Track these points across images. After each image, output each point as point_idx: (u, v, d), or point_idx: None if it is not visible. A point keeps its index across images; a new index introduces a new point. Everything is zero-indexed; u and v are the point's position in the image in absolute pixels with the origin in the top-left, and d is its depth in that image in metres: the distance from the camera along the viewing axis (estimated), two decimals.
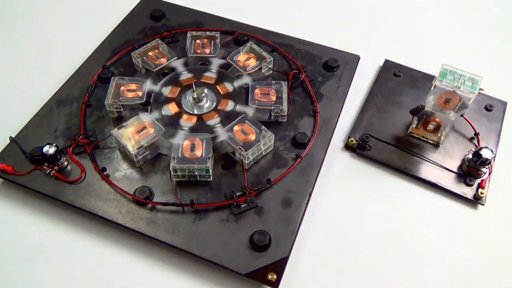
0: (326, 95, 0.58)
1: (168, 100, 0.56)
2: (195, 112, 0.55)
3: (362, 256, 0.47)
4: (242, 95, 0.57)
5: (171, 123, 0.54)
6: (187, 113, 0.55)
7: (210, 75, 0.59)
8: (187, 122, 0.54)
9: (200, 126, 0.54)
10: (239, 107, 0.56)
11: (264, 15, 0.71)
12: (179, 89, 0.57)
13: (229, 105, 0.56)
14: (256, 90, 0.55)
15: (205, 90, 0.56)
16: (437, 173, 0.52)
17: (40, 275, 0.45)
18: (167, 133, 0.52)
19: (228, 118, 0.54)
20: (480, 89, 0.48)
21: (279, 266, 0.44)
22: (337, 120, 0.56)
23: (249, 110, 0.55)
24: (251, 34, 0.64)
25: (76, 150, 0.51)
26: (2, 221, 0.49)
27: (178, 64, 0.60)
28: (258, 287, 0.45)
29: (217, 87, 0.57)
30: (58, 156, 0.49)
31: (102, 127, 0.54)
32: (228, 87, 0.57)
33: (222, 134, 0.52)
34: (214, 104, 0.56)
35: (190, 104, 0.56)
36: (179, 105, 0.56)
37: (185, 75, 0.59)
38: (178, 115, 0.55)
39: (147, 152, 0.50)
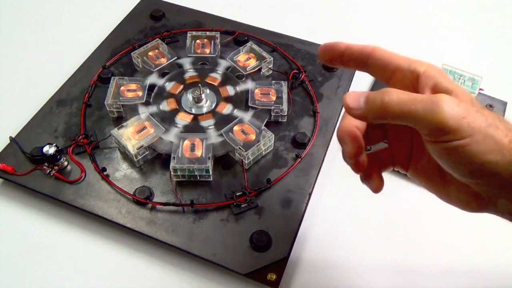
0: (326, 95, 0.58)
1: (169, 96, 0.56)
2: (193, 111, 0.55)
3: (362, 256, 0.47)
4: (243, 100, 0.56)
5: (167, 119, 0.54)
6: (184, 111, 0.55)
7: (215, 76, 0.59)
8: (182, 120, 0.54)
9: (194, 126, 0.54)
10: (236, 112, 0.55)
11: (264, 15, 0.71)
12: (182, 86, 0.57)
13: (227, 109, 0.55)
14: (256, 90, 0.55)
15: (207, 91, 0.56)
16: None
17: (40, 275, 0.45)
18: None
19: (223, 121, 0.53)
20: (480, 89, 0.48)
21: (279, 266, 0.44)
22: (337, 120, 0.56)
23: (246, 116, 0.54)
24: (251, 34, 0.64)
25: (76, 150, 0.51)
26: (2, 221, 0.49)
27: (186, 61, 0.60)
28: (258, 287, 0.44)
29: (220, 89, 0.57)
30: (58, 156, 0.49)
31: (102, 127, 0.54)
32: (230, 90, 0.57)
33: (213, 136, 0.52)
34: (213, 106, 0.56)
35: (190, 103, 0.56)
36: (178, 102, 0.56)
37: (190, 73, 0.59)
38: (174, 112, 0.55)
39: (147, 152, 0.50)
